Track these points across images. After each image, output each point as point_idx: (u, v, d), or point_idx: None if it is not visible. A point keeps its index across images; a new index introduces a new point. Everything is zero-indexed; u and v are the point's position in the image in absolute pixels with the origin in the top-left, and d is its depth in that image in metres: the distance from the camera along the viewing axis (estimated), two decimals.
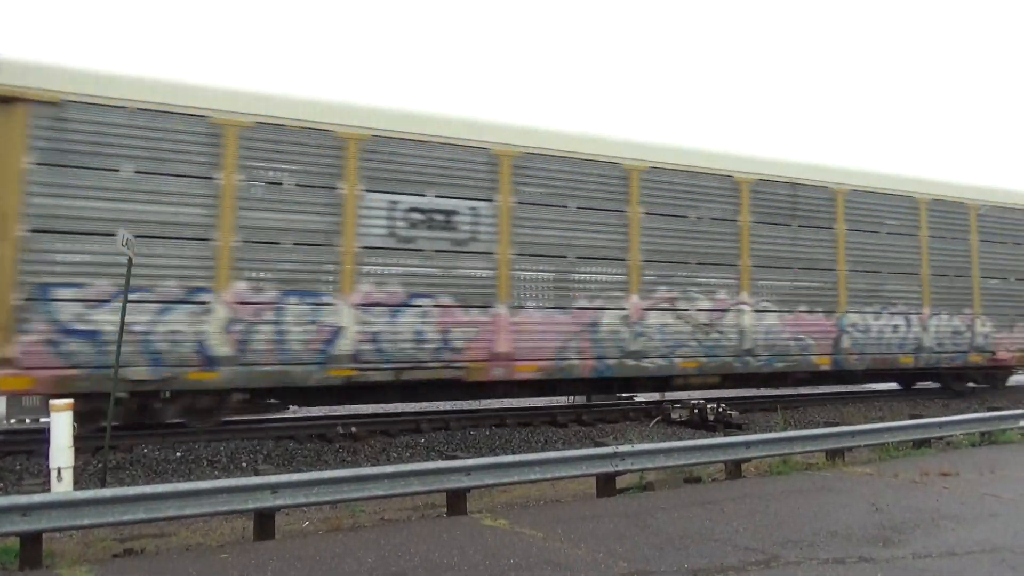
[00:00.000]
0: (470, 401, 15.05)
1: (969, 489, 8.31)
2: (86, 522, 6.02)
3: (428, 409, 15.03)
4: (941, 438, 11.45)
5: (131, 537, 7.11)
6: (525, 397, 14.60)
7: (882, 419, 13.87)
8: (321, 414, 14.36)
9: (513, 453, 11.07)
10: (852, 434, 10.38)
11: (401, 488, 7.24)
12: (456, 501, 7.50)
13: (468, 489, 7.54)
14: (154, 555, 6.52)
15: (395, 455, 11.09)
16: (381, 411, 14.67)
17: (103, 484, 8.36)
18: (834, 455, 10.22)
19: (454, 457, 7.98)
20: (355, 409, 14.20)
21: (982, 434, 11.89)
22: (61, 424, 7.81)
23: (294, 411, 13.97)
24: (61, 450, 7.77)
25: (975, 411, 14.08)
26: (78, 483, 8.40)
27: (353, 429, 11.97)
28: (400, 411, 14.68)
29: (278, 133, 10.86)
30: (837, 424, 11.46)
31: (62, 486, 7.62)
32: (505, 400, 15.26)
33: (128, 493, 6.21)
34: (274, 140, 10.85)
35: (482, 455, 10.39)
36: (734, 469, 9.34)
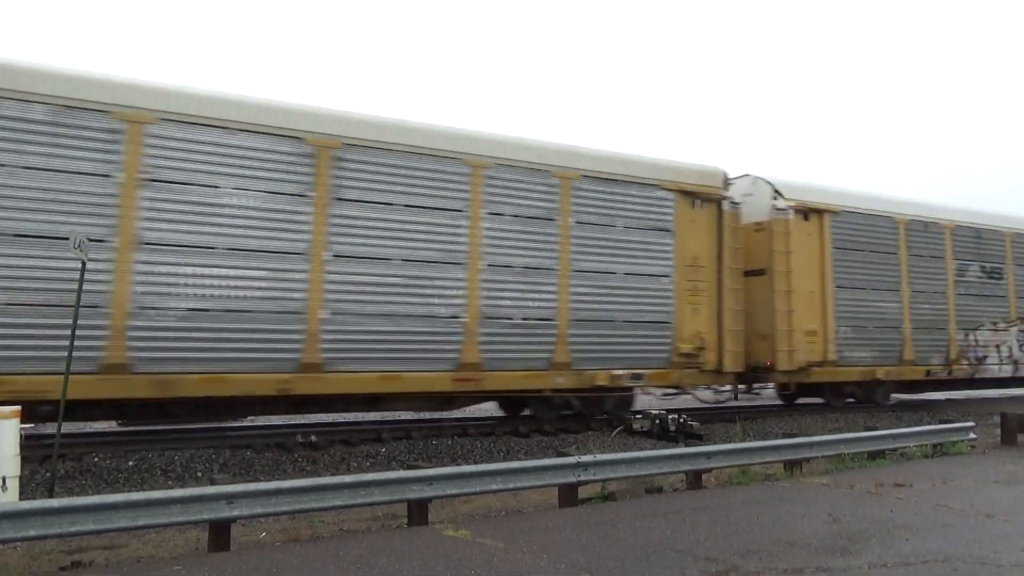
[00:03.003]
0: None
1: (922, 500, 8.48)
2: (32, 533, 5.79)
3: (389, 418, 14.89)
4: (895, 449, 11.68)
5: (80, 549, 6.88)
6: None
7: (839, 430, 14.12)
8: (280, 423, 14.11)
9: (475, 463, 11.02)
10: (810, 445, 10.54)
11: (361, 498, 7.13)
12: (417, 511, 7.41)
13: (430, 499, 7.46)
14: (103, 568, 6.32)
15: (355, 465, 10.95)
16: (341, 420, 14.51)
17: (51, 494, 8.10)
18: (792, 466, 10.37)
19: (416, 467, 7.88)
20: (315, 418, 14.00)
21: (934, 446, 12.17)
22: (6, 432, 7.53)
23: (252, 420, 13.72)
24: (6, 459, 7.50)
25: (927, 423, 14.43)
26: (24, 493, 8.12)
27: (313, 438, 11.80)
28: (360, 420, 14.52)
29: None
30: (795, 435, 11.64)
31: (7, 496, 7.35)
32: (468, 409, 15.21)
33: (77, 503, 5.99)
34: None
35: (444, 465, 10.30)
36: (695, 479, 9.41)
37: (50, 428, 10.42)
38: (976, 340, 19.23)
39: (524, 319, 12.95)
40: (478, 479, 7.76)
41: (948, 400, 21.43)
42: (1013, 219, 20.98)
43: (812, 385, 17.44)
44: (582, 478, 8.27)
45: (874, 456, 11.36)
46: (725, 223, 15.36)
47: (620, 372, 13.80)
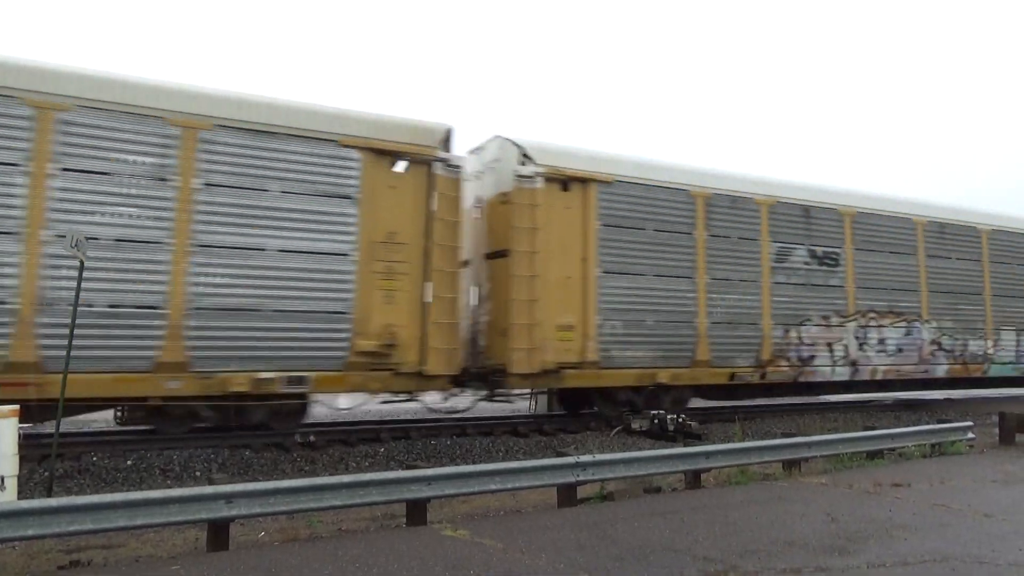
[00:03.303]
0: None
1: (920, 499, 8.48)
2: (30, 533, 5.78)
3: (388, 418, 14.90)
4: (893, 449, 11.69)
5: (78, 548, 6.88)
6: None
7: (837, 430, 14.12)
8: None
9: (474, 463, 11.02)
10: (808, 445, 10.54)
11: (360, 498, 7.12)
12: (416, 511, 7.41)
13: (428, 499, 7.45)
14: (102, 567, 6.31)
15: (354, 464, 10.95)
16: (339, 420, 14.50)
17: (49, 493, 8.09)
18: (791, 465, 10.37)
19: (414, 467, 7.88)
20: (313, 417, 13.98)
21: (932, 446, 12.18)
22: (5, 431, 7.53)
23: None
24: (5, 458, 7.50)
25: (926, 423, 14.44)
26: (23, 492, 8.11)
27: (311, 438, 11.79)
28: (359, 420, 14.51)
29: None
30: (794, 435, 11.65)
31: (5, 495, 7.35)
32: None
33: (75, 503, 5.99)
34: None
35: (443, 465, 10.31)
36: (693, 479, 9.41)
37: (48, 427, 10.42)
38: (800, 337, 16.33)
39: (113, 307, 10.15)
40: (477, 479, 7.76)
41: (947, 400, 21.45)
42: (854, 195, 18.05)
43: (580, 391, 14.84)
44: (581, 478, 8.27)
45: (872, 456, 11.37)
46: (439, 191, 12.34)
47: (269, 375, 10.96)
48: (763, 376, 15.84)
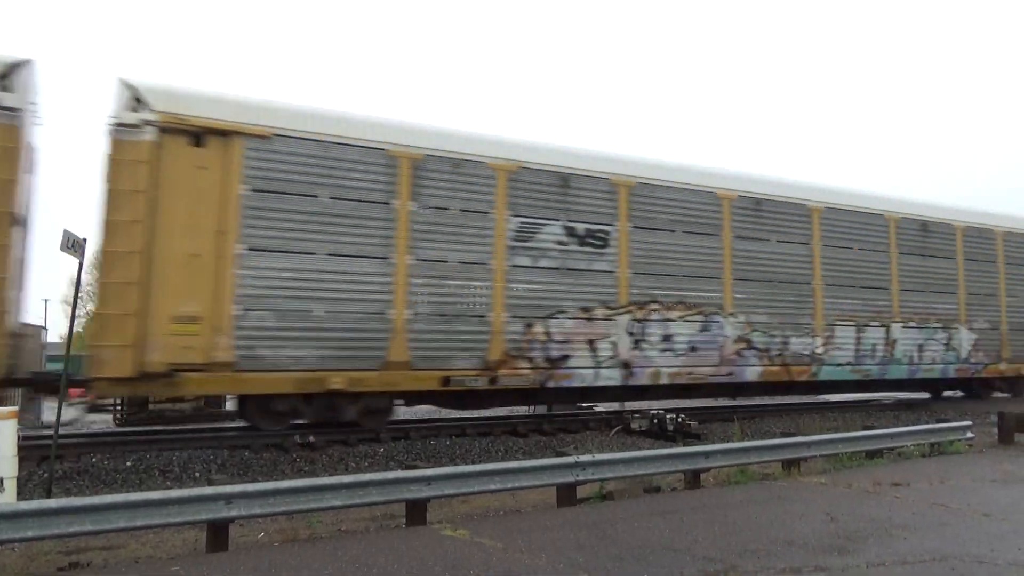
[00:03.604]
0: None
1: (920, 499, 8.49)
2: (30, 534, 5.78)
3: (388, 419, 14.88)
4: (892, 448, 11.70)
5: (78, 550, 6.88)
6: None
7: (836, 430, 14.12)
8: None
9: (474, 463, 11.02)
10: (807, 444, 10.55)
11: (359, 498, 7.12)
12: (416, 511, 7.41)
13: (428, 499, 7.46)
14: (102, 568, 6.31)
15: (354, 465, 10.95)
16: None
17: (49, 494, 8.09)
18: (790, 465, 10.37)
19: (414, 467, 7.88)
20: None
21: (931, 445, 12.19)
22: (4, 433, 7.53)
23: None
24: (4, 459, 7.51)
25: (925, 423, 14.44)
26: (22, 494, 8.11)
27: (311, 438, 11.78)
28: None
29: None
30: (793, 434, 11.66)
31: (5, 497, 7.35)
32: (464, 410, 15.17)
33: (75, 504, 5.99)
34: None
35: (442, 465, 10.31)
36: (693, 479, 9.41)
37: (47, 429, 10.42)
38: (549, 333, 13.41)
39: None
40: (476, 479, 7.76)
41: (947, 399, 21.47)
42: (633, 163, 14.98)
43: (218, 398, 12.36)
44: (580, 478, 8.28)
45: (872, 455, 11.38)
46: None
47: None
48: (493, 380, 12.81)
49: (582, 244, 13.90)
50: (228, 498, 6.46)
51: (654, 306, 14.57)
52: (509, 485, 7.98)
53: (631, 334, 14.24)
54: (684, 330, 14.87)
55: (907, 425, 13.07)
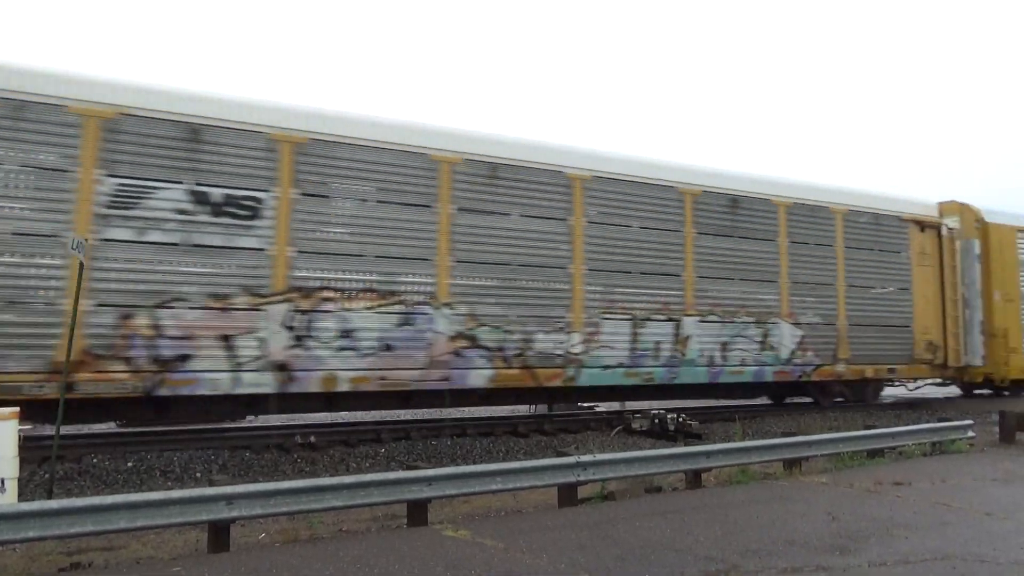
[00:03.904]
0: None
1: (921, 498, 8.49)
2: (31, 535, 5.79)
3: (388, 418, 14.89)
4: (894, 448, 11.69)
5: (79, 550, 6.88)
6: None
7: (837, 429, 14.12)
8: (279, 423, 14.11)
9: (475, 463, 11.01)
10: (809, 444, 10.54)
11: (361, 499, 7.12)
12: (417, 512, 7.41)
13: (429, 499, 7.45)
14: (103, 569, 6.31)
15: (355, 465, 10.94)
16: (340, 420, 14.50)
17: (50, 495, 8.09)
18: (791, 464, 10.37)
19: (415, 467, 7.88)
20: (313, 418, 14.00)
21: (933, 444, 12.18)
22: (5, 433, 7.53)
23: (250, 420, 13.72)
24: (5, 460, 7.49)
25: (926, 422, 14.44)
26: (23, 495, 8.11)
27: (312, 439, 11.79)
28: (360, 420, 14.52)
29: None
30: (794, 434, 11.65)
31: (6, 497, 7.34)
32: (466, 409, 15.19)
33: (76, 504, 5.99)
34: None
35: (443, 465, 10.31)
36: (694, 478, 9.41)
37: (48, 429, 10.42)
38: (159, 326, 10.38)
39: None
40: (477, 479, 7.76)
41: (946, 399, 21.46)
42: (303, 115, 11.76)
43: None
44: (581, 478, 8.27)
45: (873, 455, 11.37)
46: None
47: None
48: (70, 388, 9.56)
49: (217, 214, 10.91)
50: (229, 498, 6.46)
51: (327, 294, 11.59)
52: (510, 485, 7.97)
53: (290, 328, 11.25)
54: (374, 324, 11.84)
55: (908, 424, 13.07)
